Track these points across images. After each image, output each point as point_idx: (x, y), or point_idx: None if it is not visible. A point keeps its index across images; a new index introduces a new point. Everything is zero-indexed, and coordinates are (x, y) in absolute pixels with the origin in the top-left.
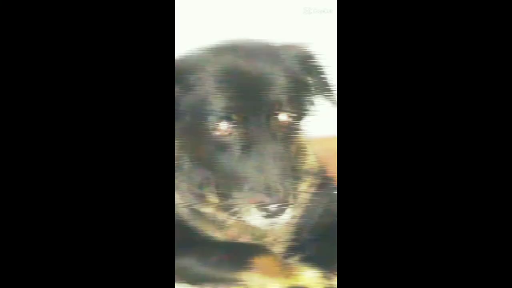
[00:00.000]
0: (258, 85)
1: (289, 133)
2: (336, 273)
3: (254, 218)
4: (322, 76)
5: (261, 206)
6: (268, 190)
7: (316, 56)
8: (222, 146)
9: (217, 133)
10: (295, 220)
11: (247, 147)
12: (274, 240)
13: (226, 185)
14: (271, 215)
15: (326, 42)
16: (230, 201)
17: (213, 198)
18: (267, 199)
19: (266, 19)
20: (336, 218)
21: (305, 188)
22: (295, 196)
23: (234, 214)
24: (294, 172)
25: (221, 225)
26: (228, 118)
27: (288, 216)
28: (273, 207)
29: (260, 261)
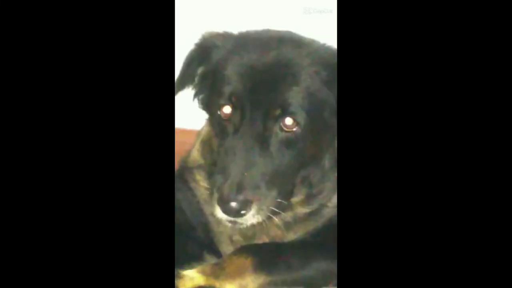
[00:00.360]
0: (276, 76)
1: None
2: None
3: (218, 212)
4: None
5: (223, 200)
6: (239, 184)
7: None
8: (221, 129)
9: (221, 114)
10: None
11: (239, 137)
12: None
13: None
14: (229, 212)
15: (326, 42)
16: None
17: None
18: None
19: (266, 19)
20: None
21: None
22: (270, 203)
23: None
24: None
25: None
26: (231, 102)
27: (252, 218)
28: (234, 204)
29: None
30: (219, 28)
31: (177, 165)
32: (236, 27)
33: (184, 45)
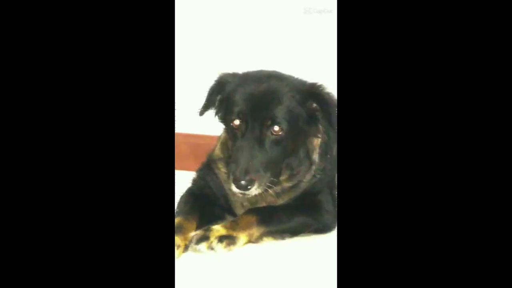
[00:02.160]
0: (267, 99)
1: (279, 139)
2: None
3: (233, 188)
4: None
5: (235, 180)
6: (246, 170)
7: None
8: (233, 135)
9: (233, 125)
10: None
11: (245, 140)
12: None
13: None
14: (240, 187)
15: (326, 42)
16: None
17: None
18: (242, 175)
19: (266, 19)
20: None
21: (283, 178)
22: (266, 181)
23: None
24: (274, 166)
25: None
26: (239, 117)
27: (255, 191)
28: (243, 182)
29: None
30: (219, 28)
31: (206, 159)
32: (236, 28)
33: (184, 46)
